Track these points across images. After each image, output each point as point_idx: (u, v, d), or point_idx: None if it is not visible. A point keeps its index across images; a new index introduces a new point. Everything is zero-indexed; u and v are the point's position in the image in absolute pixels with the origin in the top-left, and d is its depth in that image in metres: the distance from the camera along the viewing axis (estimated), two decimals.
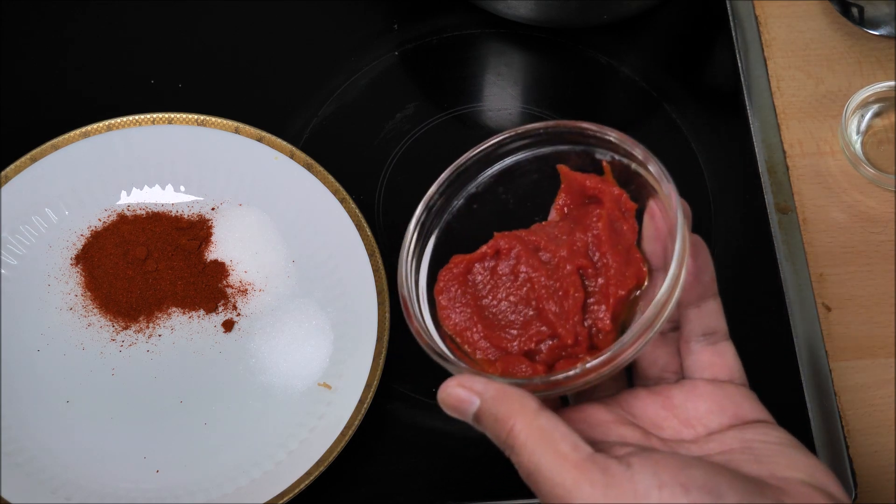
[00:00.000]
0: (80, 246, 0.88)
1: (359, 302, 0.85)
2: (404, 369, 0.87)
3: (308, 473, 0.79)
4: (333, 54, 0.98)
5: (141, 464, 0.82)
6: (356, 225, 0.87)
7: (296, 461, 0.80)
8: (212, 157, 0.90)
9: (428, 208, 0.64)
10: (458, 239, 0.65)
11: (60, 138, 0.89)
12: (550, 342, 0.60)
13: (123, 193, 0.90)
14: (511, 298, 0.61)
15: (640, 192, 0.62)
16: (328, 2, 1.00)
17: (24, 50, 0.99)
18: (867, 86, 0.96)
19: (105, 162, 0.89)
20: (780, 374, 0.87)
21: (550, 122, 0.63)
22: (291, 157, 0.89)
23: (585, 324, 0.60)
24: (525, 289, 0.61)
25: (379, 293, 0.84)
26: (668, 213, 0.60)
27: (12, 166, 0.88)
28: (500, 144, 0.64)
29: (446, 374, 0.86)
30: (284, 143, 0.89)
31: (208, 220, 0.89)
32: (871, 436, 0.87)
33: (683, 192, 0.61)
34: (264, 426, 0.83)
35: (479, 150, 0.64)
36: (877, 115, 0.96)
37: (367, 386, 0.81)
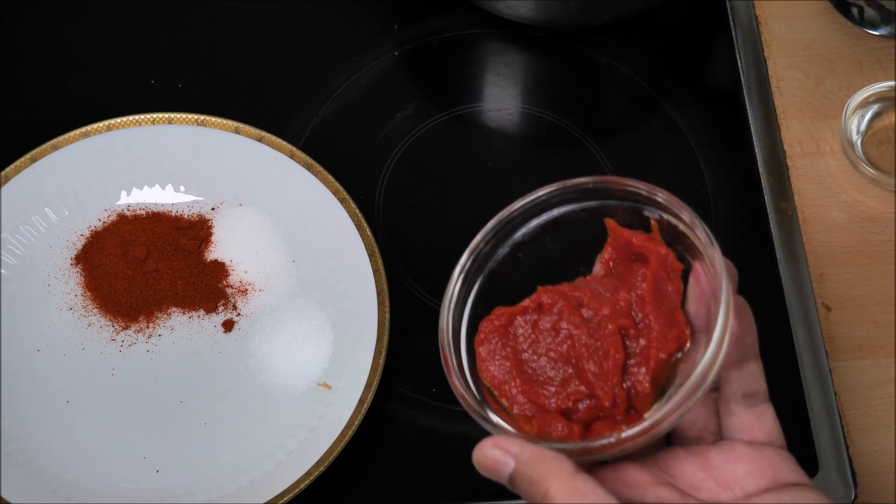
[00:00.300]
0: (80, 246, 0.88)
1: (359, 302, 0.85)
2: (404, 369, 0.87)
3: (308, 473, 0.79)
4: (333, 54, 0.98)
5: (141, 464, 0.82)
6: (356, 225, 0.87)
7: (296, 461, 0.80)
8: (212, 157, 0.90)
9: (473, 256, 0.64)
10: (501, 288, 0.64)
11: (60, 138, 0.89)
12: (588, 402, 0.60)
13: (123, 193, 0.90)
14: (551, 354, 0.61)
15: (686, 252, 0.61)
16: (328, 2, 1.00)
17: (24, 50, 0.99)
18: (867, 86, 0.96)
19: (105, 162, 0.89)
20: (780, 374, 0.87)
21: (600, 178, 0.62)
22: (291, 157, 0.89)
23: (624, 385, 0.59)
24: (566, 346, 0.60)
25: (379, 293, 0.84)
26: (713, 276, 0.59)
27: (12, 166, 0.88)
28: (548, 196, 0.63)
29: (446, 377, 0.86)
30: (284, 143, 0.89)
31: (208, 220, 0.89)
32: (871, 436, 0.87)
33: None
34: (264, 426, 0.83)
35: (526, 200, 0.63)
36: (877, 115, 0.96)
37: (367, 386, 0.81)
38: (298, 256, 0.88)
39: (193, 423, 0.83)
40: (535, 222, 0.64)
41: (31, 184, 0.88)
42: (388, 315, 0.83)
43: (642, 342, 0.59)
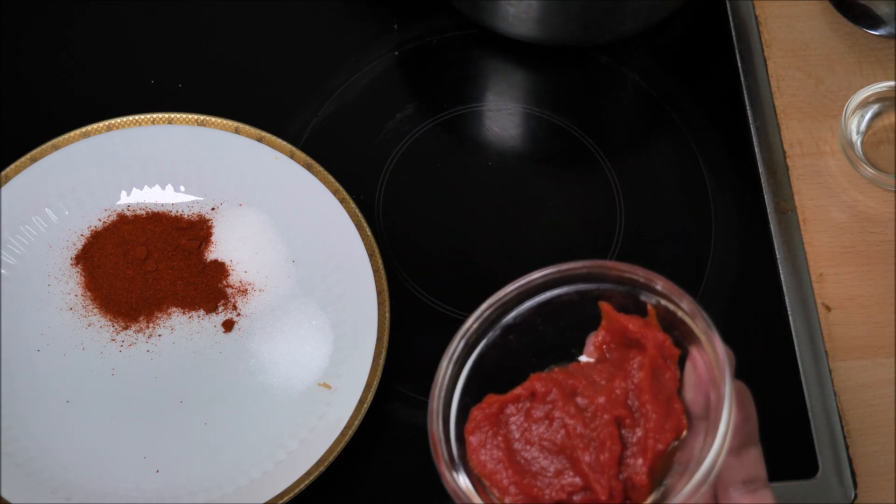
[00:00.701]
0: (80, 246, 0.88)
1: (359, 302, 0.85)
2: (404, 369, 0.87)
3: (308, 473, 0.79)
4: (333, 54, 0.98)
5: (141, 464, 0.82)
6: (356, 225, 0.87)
7: (296, 461, 0.80)
8: (212, 157, 0.90)
9: (464, 340, 0.62)
10: (491, 371, 0.62)
11: (60, 138, 0.89)
12: (583, 493, 0.58)
13: (123, 193, 0.90)
14: (544, 444, 0.59)
15: (682, 337, 0.60)
16: (328, 2, 1.00)
17: (24, 50, 0.99)
18: (867, 86, 0.96)
19: (105, 162, 0.89)
20: (780, 374, 0.87)
21: (596, 263, 0.61)
22: (291, 157, 0.89)
23: (620, 477, 0.58)
24: (560, 436, 0.59)
25: (379, 293, 0.84)
26: (712, 363, 0.58)
27: (12, 166, 0.88)
28: (542, 279, 0.62)
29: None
30: (284, 143, 0.89)
31: (208, 220, 0.89)
32: (871, 436, 0.87)
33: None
34: (264, 426, 0.83)
35: (519, 283, 0.62)
36: (877, 115, 0.96)
37: (367, 386, 0.81)
38: (298, 256, 0.88)
39: (193, 423, 0.83)
40: (527, 304, 0.63)
41: (32, 184, 0.88)
42: (388, 315, 0.83)
43: (639, 432, 0.58)
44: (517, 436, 0.60)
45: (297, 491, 0.79)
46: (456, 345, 0.62)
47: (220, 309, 0.86)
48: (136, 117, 0.90)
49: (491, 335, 0.63)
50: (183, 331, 0.86)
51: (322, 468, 0.79)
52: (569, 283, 0.62)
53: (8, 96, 0.96)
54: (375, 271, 0.85)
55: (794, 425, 0.85)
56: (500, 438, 0.60)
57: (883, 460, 0.86)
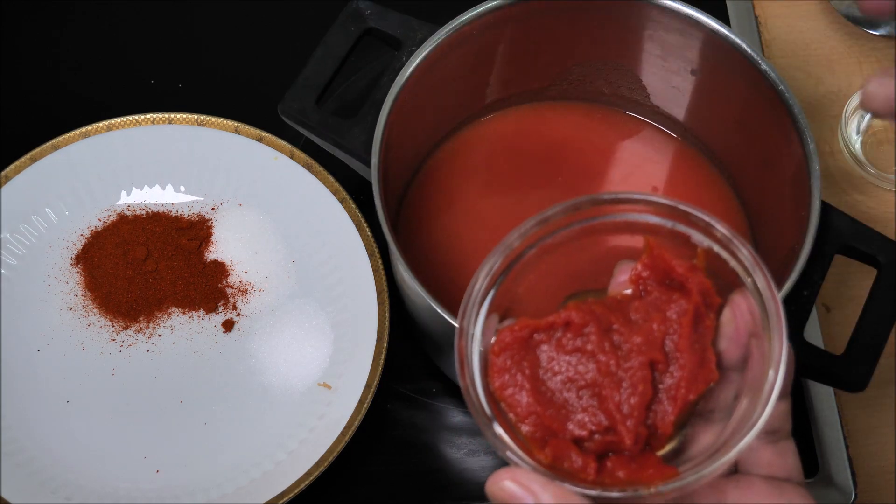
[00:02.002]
0: (80, 246, 0.88)
1: (359, 302, 0.85)
2: (404, 369, 0.87)
3: (308, 473, 0.79)
4: None
5: (141, 464, 0.82)
6: (356, 225, 0.87)
7: (296, 461, 0.80)
8: (212, 157, 0.90)
9: (502, 255, 0.59)
10: (520, 291, 0.60)
11: (60, 138, 0.89)
12: (605, 434, 0.57)
13: (123, 193, 0.90)
14: (572, 377, 0.57)
15: (725, 286, 0.58)
16: (328, 2, 1.00)
17: (24, 50, 0.99)
18: None
19: (105, 162, 0.89)
20: None
21: (654, 197, 0.59)
22: (291, 157, 0.89)
23: (647, 422, 0.57)
24: (590, 371, 0.57)
25: (379, 293, 0.84)
26: (757, 316, 0.57)
27: (12, 166, 0.88)
28: (591, 202, 0.59)
29: (446, 377, 0.86)
30: (284, 143, 0.89)
31: (208, 220, 0.89)
32: (871, 436, 0.87)
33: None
34: (264, 426, 0.83)
35: (568, 204, 0.59)
36: None
37: (367, 386, 0.81)
38: (298, 256, 0.88)
39: (193, 423, 0.83)
40: (573, 226, 0.60)
41: (32, 184, 0.88)
42: (387, 315, 0.83)
43: (669, 379, 0.57)
44: (544, 364, 0.58)
45: (297, 491, 0.79)
46: (494, 260, 0.59)
47: (220, 309, 0.87)
48: (136, 117, 0.90)
49: (527, 252, 0.60)
50: (183, 331, 0.86)
51: (322, 468, 0.79)
52: (618, 211, 0.60)
53: (8, 96, 0.97)
54: (375, 271, 0.85)
55: (794, 425, 0.85)
56: (525, 364, 0.57)
57: (883, 460, 0.87)
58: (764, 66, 0.79)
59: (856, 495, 0.85)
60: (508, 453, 0.56)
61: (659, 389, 0.57)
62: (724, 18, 1.01)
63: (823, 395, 0.87)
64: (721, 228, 0.58)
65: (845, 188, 0.95)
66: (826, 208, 0.78)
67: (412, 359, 0.88)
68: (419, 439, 0.86)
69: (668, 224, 0.59)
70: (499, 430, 0.57)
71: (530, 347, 0.58)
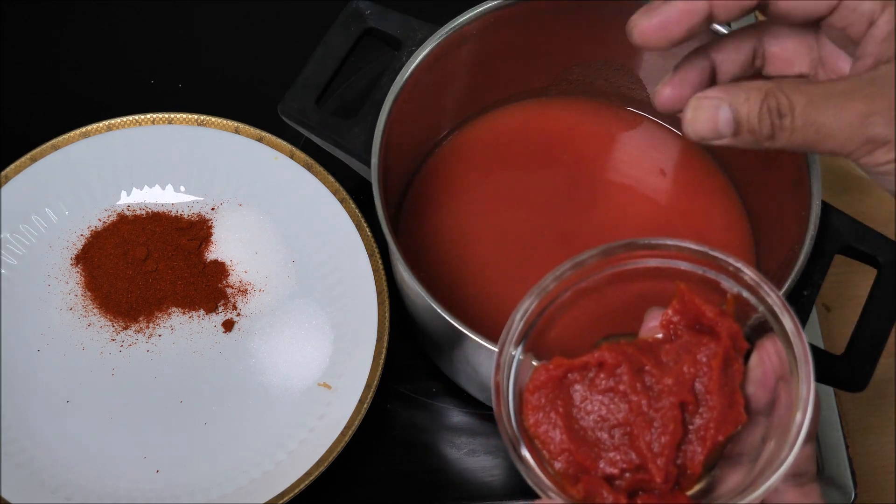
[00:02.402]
0: (80, 246, 0.88)
1: (359, 302, 0.85)
2: (404, 369, 0.87)
3: (308, 473, 0.79)
4: None
5: (141, 464, 0.82)
6: (356, 225, 0.87)
7: (296, 461, 0.80)
8: (212, 157, 0.90)
9: (538, 298, 0.61)
10: (554, 333, 0.62)
11: (60, 138, 0.89)
12: (636, 472, 0.58)
13: (123, 193, 0.90)
14: (605, 416, 0.59)
15: (753, 331, 0.60)
16: (328, 2, 1.00)
17: (24, 50, 0.99)
18: None
19: (105, 162, 0.89)
20: None
21: (684, 242, 0.60)
22: (291, 156, 0.89)
23: (677, 462, 0.58)
24: (622, 411, 0.59)
25: (379, 293, 0.84)
26: (785, 360, 0.58)
27: (12, 166, 0.88)
28: (625, 248, 0.61)
29: (446, 377, 0.86)
30: (284, 142, 0.89)
31: (208, 220, 0.89)
32: (871, 436, 0.87)
33: None
34: (264, 426, 0.83)
35: (602, 249, 0.61)
36: None
37: (367, 386, 0.81)
38: (298, 256, 0.88)
39: (193, 423, 0.83)
40: (606, 271, 0.62)
41: (32, 184, 0.88)
42: (387, 315, 0.83)
43: (699, 420, 0.58)
44: (578, 403, 0.59)
45: (297, 491, 0.79)
46: (530, 302, 0.61)
47: (220, 309, 0.86)
48: (136, 117, 0.90)
49: (563, 295, 0.62)
50: (183, 331, 0.86)
51: (322, 468, 0.79)
52: (650, 257, 0.61)
53: (8, 96, 0.97)
54: (375, 271, 0.85)
55: None
56: (559, 402, 0.59)
57: (883, 460, 0.87)
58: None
59: (856, 495, 0.85)
60: (545, 490, 0.57)
61: (689, 430, 0.58)
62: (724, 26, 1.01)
63: (823, 395, 0.87)
64: (750, 274, 0.59)
65: (845, 188, 0.95)
66: (826, 208, 0.78)
67: (412, 359, 0.88)
68: (419, 439, 0.86)
69: (699, 270, 0.61)
70: (532, 463, 0.58)
71: (564, 386, 0.60)
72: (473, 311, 0.82)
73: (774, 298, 0.59)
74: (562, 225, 0.87)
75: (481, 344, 0.73)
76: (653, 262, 0.61)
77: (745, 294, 0.60)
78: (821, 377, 0.78)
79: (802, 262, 0.75)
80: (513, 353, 0.60)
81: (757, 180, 0.86)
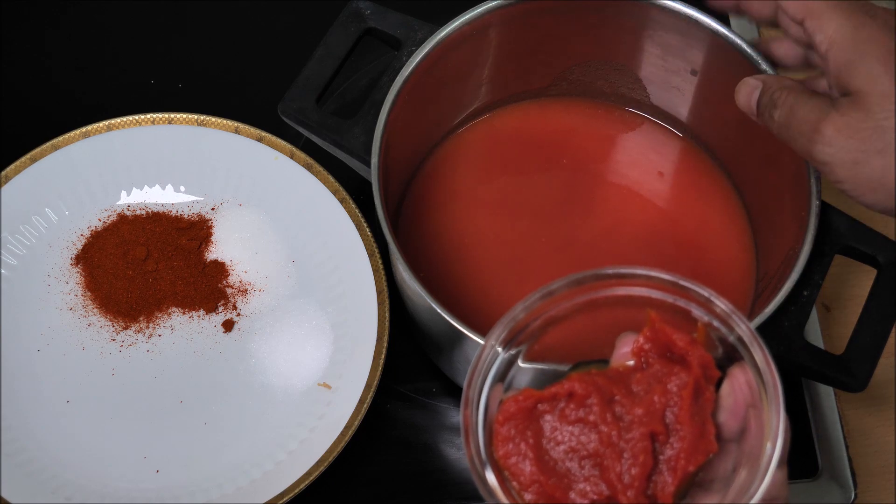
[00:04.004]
0: (80, 246, 0.88)
1: (359, 302, 0.85)
2: (404, 369, 0.87)
3: (308, 473, 0.79)
4: None
5: (141, 464, 0.82)
6: (356, 225, 0.87)
7: (296, 461, 0.80)
8: (212, 157, 0.90)
9: (507, 327, 0.61)
10: (525, 362, 0.63)
11: (60, 138, 0.89)
12: (606, 502, 0.58)
13: (123, 193, 0.90)
14: (575, 447, 0.59)
15: (724, 359, 0.60)
16: (328, 2, 1.00)
17: (24, 50, 0.99)
18: None
19: (105, 162, 0.89)
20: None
21: (655, 271, 0.61)
22: (291, 157, 0.89)
23: (647, 493, 0.58)
24: (592, 442, 0.59)
25: (379, 293, 0.84)
26: (755, 389, 0.59)
27: (12, 166, 0.88)
28: (594, 277, 0.61)
29: (445, 377, 0.86)
30: (284, 143, 0.89)
31: (208, 220, 0.89)
32: (871, 436, 0.87)
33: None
34: (264, 426, 0.83)
35: (572, 278, 0.61)
36: None
37: (367, 386, 0.81)
38: (298, 256, 0.88)
39: (193, 423, 0.83)
40: (576, 300, 0.62)
41: (32, 184, 0.88)
42: (387, 315, 0.83)
43: (670, 451, 0.58)
44: (548, 434, 0.59)
45: (297, 491, 0.79)
46: (500, 332, 0.61)
47: (220, 309, 0.86)
48: (137, 117, 0.90)
49: (533, 324, 0.62)
50: (183, 331, 0.86)
51: (322, 468, 0.79)
52: (621, 285, 0.61)
53: (8, 96, 0.97)
54: (375, 271, 0.85)
55: (794, 426, 0.84)
56: (529, 433, 0.59)
57: (883, 460, 0.87)
58: (764, 67, 0.79)
59: (856, 495, 0.85)
60: None
61: (659, 460, 0.58)
62: (723, 17, 1.00)
63: (823, 395, 0.87)
64: (720, 304, 0.60)
65: None
66: (826, 208, 0.78)
67: (412, 359, 0.88)
68: (419, 439, 0.86)
69: (670, 299, 0.61)
70: (503, 497, 0.58)
71: (534, 417, 0.59)
72: (472, 311, 0.82)
73: (744, 329, 0.59)
74: (560, 226, 0.87)
75: (481, 343, 0.73)
76: (624, 291, 0.61)
77: (716, 324, 0.60)
78: (821, 378, 0.78)
79: (802, 262, 0.75)
80: (482, 384, 0.60)
81: (757, 181, 0.86)
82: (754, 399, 0.59)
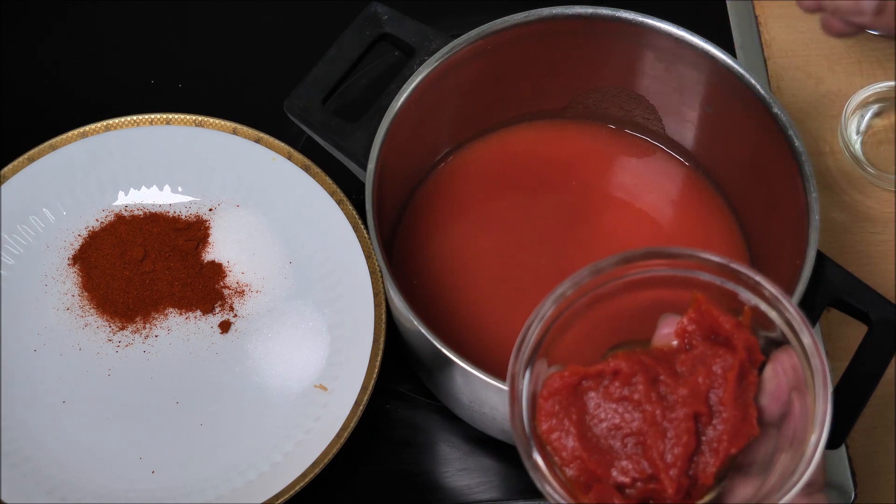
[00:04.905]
0: (77, 246, 0.88)
1: (356, 303, 0.84)
2: (403, 369, 0.87)
3: (304, 475, 0.79)
4: None
5: (137, 464, 0.82)
6: (353, 226, 0.87)
7: (292, 462, 0.80)
8: (209, 157, 0.90)
9: (555, 303, 0.60)
10: (568, 337, 0.62)
11: (58, 138, 0.89)
12: (647, 482, 0.58)
13: (121, 194, 0.90)
14: (618, 425, 0.59)
15: (769, 343, 0.60)
16: (328, 2, 1.00)
17: (21, 50, 0.99)
18: (867, 86, 0.96)
19: (103, 162, 0.89)
20: None
21: (706, 255, 0.60)
22: (289, 158, 0.89)
23: (689, 473, 0.58)
24: (635, 420, 0.59)
25: (376, 295, 0.84)
26: (800, 372, 0.58)
27: (10, 166, 0.88)
28: (644, 256, 0.61)
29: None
30: (282, 144, 0.89)
31: (206, 221, 0.89)
32: (871, 436, 0.87)
33: None
34: (260, 427, 0.83)
35: (621, 256, 0.61)
36: (877, 115, 0.96)
37: (364, 388, 0.81)
38: (296, 258, 0.88)
39: (190, 424, 0.83)
40: (624, 278, 0.61)
41: (29, 184, 0.88)
42: (384, 317, 0.83)
43: (712, 432, 0.58)
44: (591, 411, 0.59)
45: (292, 492, 0.79)
46: (546, 308, 0.60)
47: (217, 310, 0.86)
48: (134, 118, 0.90)
49: (579, 301, 0.61)
50: (179, 332, 0.86)
51: (317, 470, 0.79)
52: (668, 266, 0.61)
53: (6, 96, 0.97)
54: (372, 273, 0.85)
55: None
56: (573, 409, 0.59)
57: (883, 460, 0.86)
58: (776, 110, 0.79)
59: (856, 495, 0.84)
60: (555, 495, 0.57)
61: (702, 441, 0.58)
62: (724, 18, 1.00)
63: None
64: (770, 287, 0.59)
65: (845, 188, 0.94)
66: (822, 259, 0.78)
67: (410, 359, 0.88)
68: (418, 439, 0.86)
69: (718, 281, 0.61)
70: (545, 471, 0.58)
71: (578, 394, 0.59)
72: (464, 331, 0.82)
73: (793, 313, 0.59)
74: (562, 249, 0.87)
75: (470, 371, 0.73)
76: (671, 271, 0.61)
77: (763, 307, 0.60)
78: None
79: None
80: (529, 359, 0.60)
81: (760, 222, 0.86)
82: (798, 382, 0.58)
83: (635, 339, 0.62)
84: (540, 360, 0.60)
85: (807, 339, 0.58)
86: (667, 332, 0.61)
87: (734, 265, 0.60)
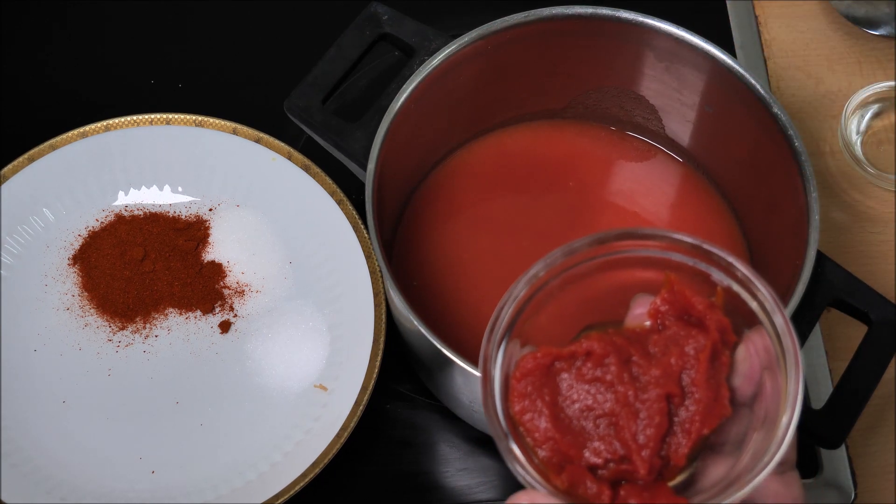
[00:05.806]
0: (77, 246, 0.88)
1: (355, 304, 0.84)
2: (403, 369, 0.87)
3: (304, 475, 0.79)
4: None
5: (137, 464, 0.82)
6: (353, 226, 0.87)
7: (291, 463, 0.80)
8: (210, 157, 0.90)
9: (527, 284, 0.61)
10: (540, 319, 0.62)
11: (58, 138, 0.89)
12: (619, 463, 0.58)
13: (121, 194, 0.90)
14: (590, 405, 0.59)
15: (741, 324, 0.60)
16: (328, 2, 1.00)
17: (22, 50, 0.99)
18: (867, 86, 0.96)
19: (103, 162, 0.89)
20: None
21: (678, 235, 0.60)
22: (289, 158, 0.89)
23: (661, 454, 0.58)
24: (608, 402, 0.58)
25: (376, 295, 0.84)
26: (772, 353, 0.58)
27: (10, 166, 0.88)
28: (617, 236, 0.61)
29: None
30: (282, 144, 0.89)
31: (206, 221, 0.89)
32: (871, 436, 0.87)
33: None
34: (260, 427, 0.83)
35: (594, 237, 0.61)
36: (877, 115, 0.96)
37: (363, 388, 0.81)
38: (296, 258, 0.88)
39: (190, 424, 0.83)
40: (597, 259, 0.61)
41: (29, 184, 0.88)
42: (384, 317, 0.83)
43: (684, 413, 0.58)
44: (564, 392, 0.59)
45: (292, 492, 0.79)
46: (519, 289, 0.61)
47: (217, 310, 0.86)
48: (134, 118, 0.90)
49: (552, 282, 0.61)
50: (179, 332, 0.86)
51: (317, 470, 0.79)
52: (642, 246, 0.61)
53: (6, 96, 0.97)
54: (372, 273, 0.85)
55: None
56: (545, 391, 0.59)
57: (883, 460, 0.86)
58: (776, 109, 0.79)
59: (856, 495, 0.84)
60: (527, 477, 0.57)
61: (674, 422, 0.58)
62: (724, 18, 1.00)
63: (823, 395, 0.87)
64: (742, 269, 0.59)
65: (845, 188, 0.94)
66: (822, 259, 0.78)
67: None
68: (418, 439, 0.86)
69: (690, 262, 0.61)
70: (518, 453, 0.58)
71: (551, 375, 0.59)
72: (463, 328, 0.82)
73: (766, 294, 0.59)
74: None
75: (470, 371, 0.72)
76: (644, 252, 0.61)
77: (736, 288, 0.60)
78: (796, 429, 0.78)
79: (791, 310, 0.75)
80: (501, 340, 0.60)
81: (761, 222, 0.86)
82: (770, 361, 0.59)
83: (608, 319, 0.62)
84: (513, 342, 0.60)
85: (779, 320, 0.58)
86: (640, 313, 0.61)
87: (707, 246, 0.60)
